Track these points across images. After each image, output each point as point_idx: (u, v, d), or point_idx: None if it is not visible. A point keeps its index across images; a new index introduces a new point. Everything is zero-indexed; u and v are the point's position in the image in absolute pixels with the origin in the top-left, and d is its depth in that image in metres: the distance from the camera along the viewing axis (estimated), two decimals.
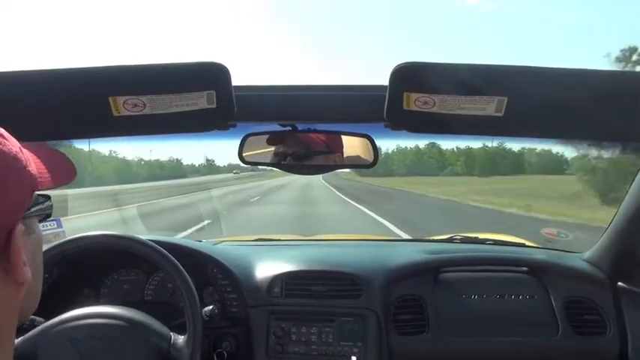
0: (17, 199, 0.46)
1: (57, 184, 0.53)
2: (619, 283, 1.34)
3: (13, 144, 0.47)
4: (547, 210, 10.99)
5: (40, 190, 0.51)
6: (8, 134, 0.48)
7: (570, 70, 0.70)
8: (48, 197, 0.55)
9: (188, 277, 1.08)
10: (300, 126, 0.94)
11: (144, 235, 1.20)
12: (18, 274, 0.47)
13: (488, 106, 0.72)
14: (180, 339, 1.03)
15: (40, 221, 0.56)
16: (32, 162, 0.49)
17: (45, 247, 1.08)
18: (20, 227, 0.47)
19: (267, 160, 1.00)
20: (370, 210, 11.21)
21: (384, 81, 0.75)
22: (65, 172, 0.57)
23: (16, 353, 0.92)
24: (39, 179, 0.50)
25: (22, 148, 0.49)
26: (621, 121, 0.75)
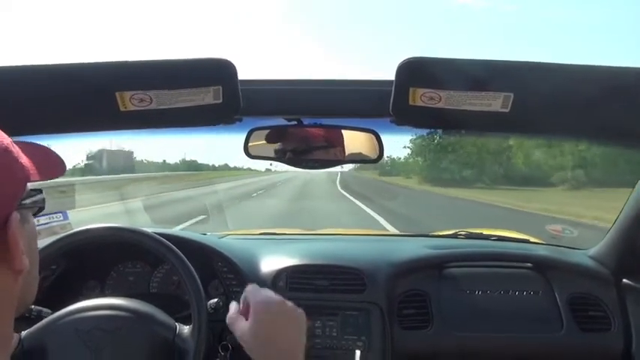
0: (11, 189, 0.47)
1: (46, 177, 0.54)
2: (624, 280, 1.33)
3: (3, 137, 0.48)
4: None
5: (31, 181, 0.51)
6: None
7: (578, 66, 0.70)
8: (40, 191, 0.56)
9: (193, 269, 1.09)
10: (305, 120, 0.94)
11: (149, 228, 1.21)
12: (16, 262, 0.48)
13: (495, 102, 0.71)
14: (186, 329, 1.03)
15: (35, 215, 0.57)
16: (22, 155, 0.50)
17: (51, 240, 1.09)
18: (16, 215, 0.48)
19: (273, 154, 1.00)
20: None
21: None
22: (53, 166, 0.57)
23: (24, 345, 0.94)
24: (33, 172, 0.51)
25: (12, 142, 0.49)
26: (630, 117, 0.74)
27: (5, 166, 0.46)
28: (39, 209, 0.57)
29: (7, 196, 0.47)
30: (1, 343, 0.50)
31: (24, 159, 0.50)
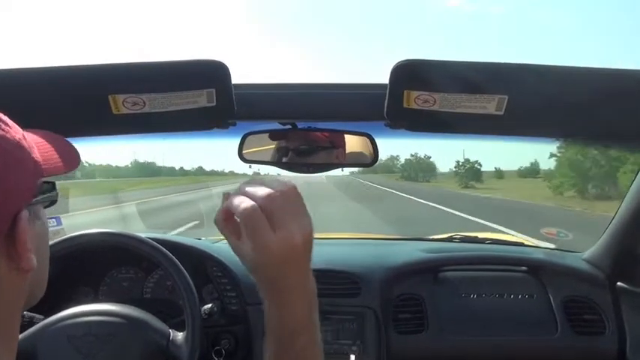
0: (22, 185, 0.46)
1: (67, 169, 0.52)
2: (618, 283, 1.34)
3: (16, 131, 0.46)
4: None
5: (52, 175, 0.50)
6: (11, 121, 0.47)
7: (571, 69, 0.70)
8: (53, 184, 0.54)
9: (187, 274, 1.08)
10: (299, 124, 0.94)
11: (143, 233, 1.20)
12: (23, 261, 0.46)
13: (489, 105, 0.71)
14: (180, 335, 1.03)
15: (46, 207, 0.55)
16: (36, 149, 0.49)
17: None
18: (25, 213, 0.46)
19: (268, 159, 1.00)
20: None
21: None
22: (73, 158, 0.55)
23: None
24: (48, 165, 0.49)
25: (26, 135, 0.48)
26: (623, 119, 0.75)
27: (16, 162, 0.45)
28: (50, 203, 0.55)
29: (17, 193, 0.45)
30: (7, 343, 0.49)
31: (37, 153, 0.48)
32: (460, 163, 36.12)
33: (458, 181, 32.97)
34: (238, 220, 0.52)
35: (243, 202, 0.51)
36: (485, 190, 25.51)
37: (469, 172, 34.07)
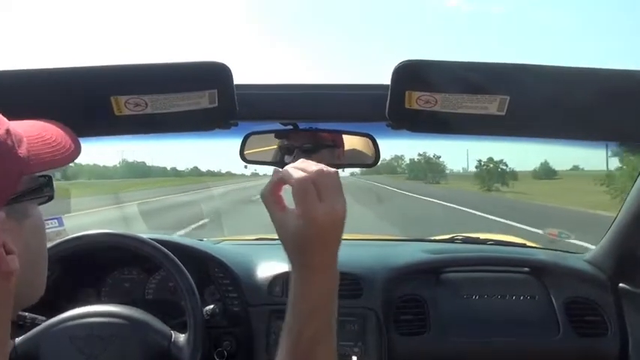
0: None
1: (53, 166, 0.50)
2: (620, 284, 1.33)
3: None
4: None
5: (30, 173, 0.48)
6: None
7: (574, 69, 0.70)
8: (49, 179, 0.53)
9: (189, 275, 1.08)
10: (301, 125, 0.94)
11: (145, 234, 1.20)
12: (2, 264, 0.44)
13: (491, 105, 0.71)
14: (181, 337, 1.03)
15: (44, 203, 0.54)
16: (26, 144, 0.47)
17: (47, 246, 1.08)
18: (1, 214, 0.44)
19: (269, 159, 1.00)
20: None
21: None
22: (65, 152, 0.54)
23: (18, 352, 0.93)
24: (49, 159, 0.48)
25: (17, 130, 0.46)
26: (626, 121, 0.74)
27: None
28: (48, 199, 0.54)
29: None
30: None
31: (24, 149, 0.46)
32: (482, 163, 31.09)
33: (479, 183, 28.30)
34: (290, 189, 0.57)
35: (297, 173, 0.57)
36: (520, 194, 21.17)
37: (493, 174, 29.46)
